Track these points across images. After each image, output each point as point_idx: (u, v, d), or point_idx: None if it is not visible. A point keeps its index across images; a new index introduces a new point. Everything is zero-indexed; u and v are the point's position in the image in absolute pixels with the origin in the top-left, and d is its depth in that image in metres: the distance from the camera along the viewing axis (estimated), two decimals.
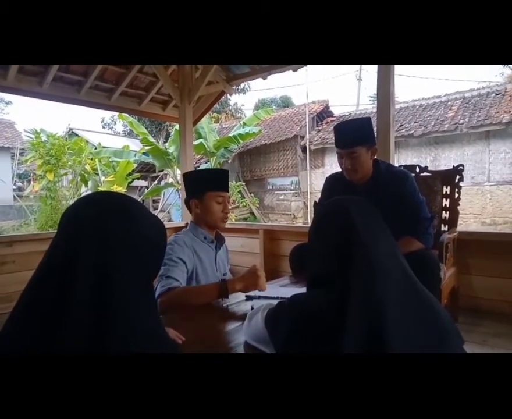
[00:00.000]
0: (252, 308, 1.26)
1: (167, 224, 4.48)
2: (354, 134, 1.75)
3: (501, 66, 11.50)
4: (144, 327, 0.56)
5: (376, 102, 2.84)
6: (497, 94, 8.77)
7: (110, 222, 0.58)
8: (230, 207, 1.61)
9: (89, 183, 7.55)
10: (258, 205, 9.82)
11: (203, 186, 1.53)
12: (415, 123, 9.16)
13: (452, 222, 2.26)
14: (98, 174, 7.65)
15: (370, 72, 16.55)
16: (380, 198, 1.54)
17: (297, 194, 10.46)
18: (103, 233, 0.56)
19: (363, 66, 15.01)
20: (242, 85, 16.15)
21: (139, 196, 10.30)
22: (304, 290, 0.87)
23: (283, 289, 1.61)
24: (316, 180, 10.40)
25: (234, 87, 4.02)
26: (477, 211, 8.28)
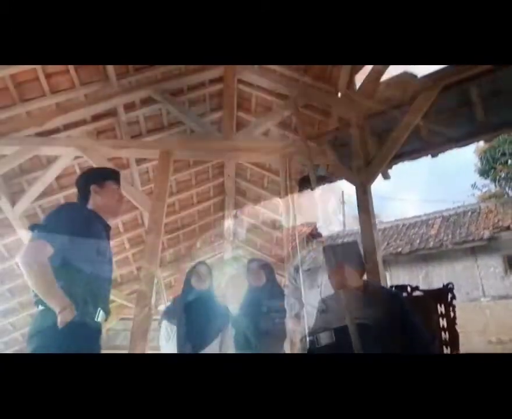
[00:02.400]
0: None
1: None
2: (341, 255, 1.84)
3: (470, 188, 12.71)
4: None
5: None
6: (473, 212, 9.35)
7: None
8: None
9: None
10: None
11: None
12: (400, 241, 9.46)
13: (453, 343, 2.14)
14: None
15: (351, 195, 17.66)
16: (373, 309, 1.50)
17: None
18: None
19: (345, 190, 16.12)
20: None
21: None
22: None
23: None
24: (309, 299, 10.15)
25: None
26: (480, 328, 7.93)
